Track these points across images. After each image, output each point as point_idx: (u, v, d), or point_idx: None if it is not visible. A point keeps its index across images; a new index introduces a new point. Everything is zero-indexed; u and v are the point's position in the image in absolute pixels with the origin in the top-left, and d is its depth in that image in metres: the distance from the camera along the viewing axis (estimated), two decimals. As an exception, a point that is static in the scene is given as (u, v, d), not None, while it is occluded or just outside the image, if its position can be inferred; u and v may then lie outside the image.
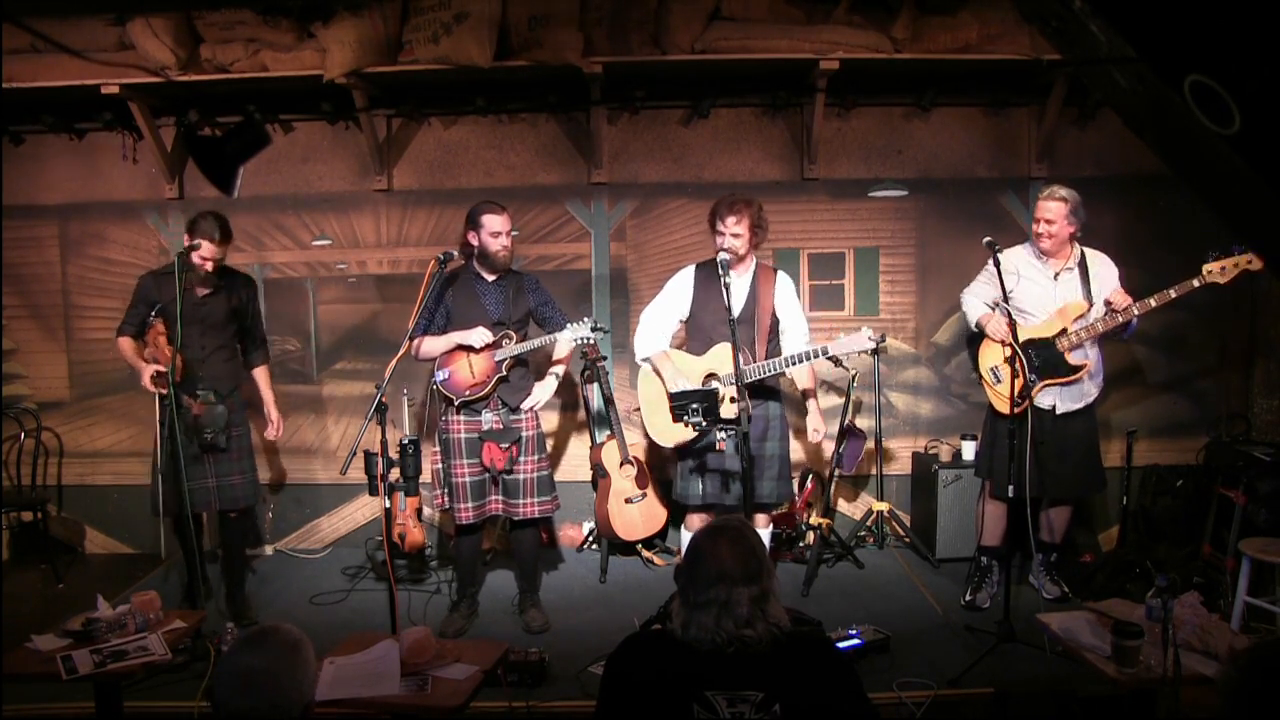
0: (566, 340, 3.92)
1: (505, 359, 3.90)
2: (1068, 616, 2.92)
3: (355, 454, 3.30)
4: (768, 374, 3.83)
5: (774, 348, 3.97)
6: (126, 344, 4.00)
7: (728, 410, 3.66)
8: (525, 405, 4.00)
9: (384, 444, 3.21)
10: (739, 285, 3.95)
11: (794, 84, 4.77)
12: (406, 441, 3.30)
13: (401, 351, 3.83)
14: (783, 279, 4.03)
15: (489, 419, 3.94)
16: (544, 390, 4.05)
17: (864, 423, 4.94)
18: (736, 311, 3.86)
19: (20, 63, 4.62)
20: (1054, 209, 3.85)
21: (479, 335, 3.86)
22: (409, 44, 4.49)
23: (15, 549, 5.07)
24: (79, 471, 5.16)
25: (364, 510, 5.15)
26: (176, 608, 3.70)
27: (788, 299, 4.03)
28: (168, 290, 3.82)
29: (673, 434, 3.89)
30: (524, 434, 3.99)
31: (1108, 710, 3.08)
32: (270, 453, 5.09)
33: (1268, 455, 4.09)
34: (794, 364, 3.82)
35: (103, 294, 5.10)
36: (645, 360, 4.00)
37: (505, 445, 3.92)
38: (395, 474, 3.24)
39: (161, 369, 3.74)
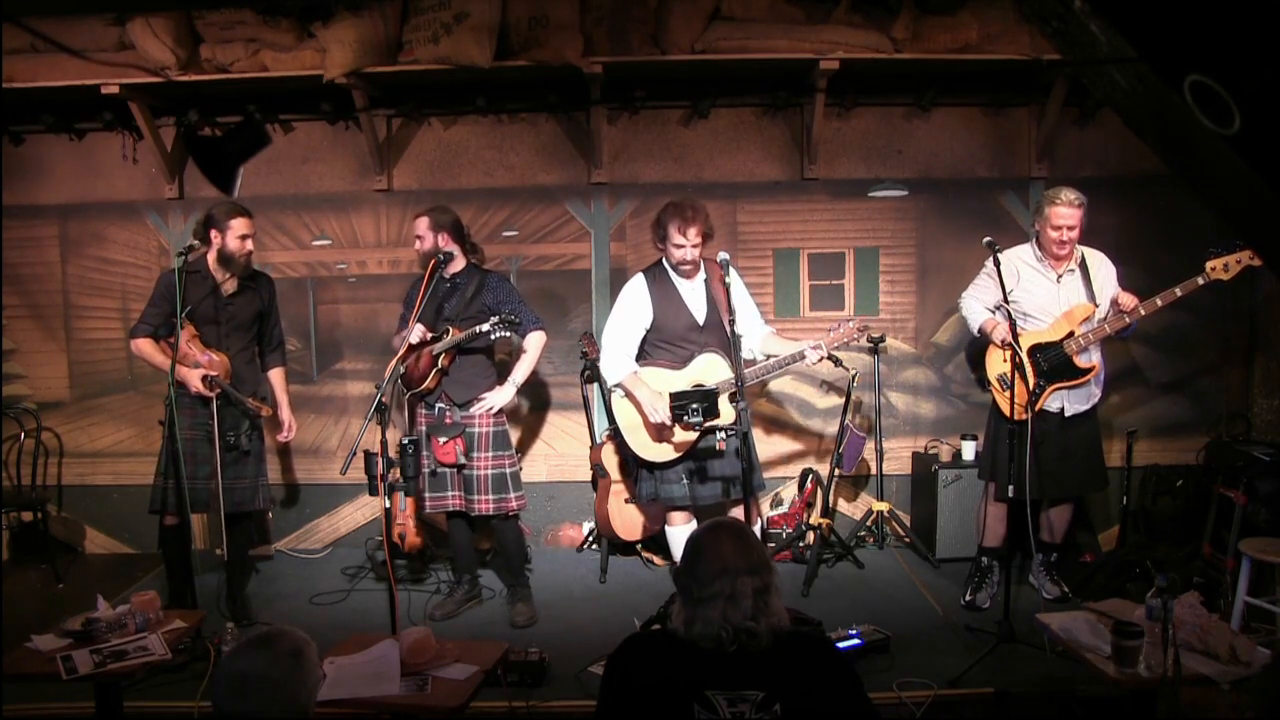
0: (487, 334, 3.84)
1: (440, 353, 3.92)
2: (1068, 616, 2.92)
3: (355, 454, 3.30)
4: (768, 375, 3.83)
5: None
6: (147, 345, 3.92)
7: (728, 412, 3.66)
8: (475, 410, 3.99)
9: (384, 444, 3.21)
10: (698, 289, 3.92)
11: (794, 84, 4.76)
12: (406, 441, 3.30)
13: (400, 352, 3.84)
14: (729, 269, 3.76)
15: (437, 413, 4.00)
16: (498, 396, 4.01)
17: (864, 423, 4.95)
18: (702, 318, 3.86)
19: (20, 63, 4.61)
20: (1074, 215, 3.81)
21: (416, 332, 3.91)
22: (409, 44, 4.49)
23: (15, 549, 5.06)
24: (79, 471, 5.15)
25: (364, 510, 5.15)
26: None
27: (738, 287, 3.92)
28: (194, 291, 3.83)
29: (659, 450, 3.88)
30: (476, 430, 3.99)
31: (1108, 710, 3.09)
32: (272, 454, 5.07)
33: (1268, 455, 4.08)
34: (789, 364, 3.82)
35: (103, 294, 5.10)
36: (617, 386, 3.92)
37: (444, 440, 3.94)
38: (395, 474, 3.24)
39: (210, 372, 3.77)
